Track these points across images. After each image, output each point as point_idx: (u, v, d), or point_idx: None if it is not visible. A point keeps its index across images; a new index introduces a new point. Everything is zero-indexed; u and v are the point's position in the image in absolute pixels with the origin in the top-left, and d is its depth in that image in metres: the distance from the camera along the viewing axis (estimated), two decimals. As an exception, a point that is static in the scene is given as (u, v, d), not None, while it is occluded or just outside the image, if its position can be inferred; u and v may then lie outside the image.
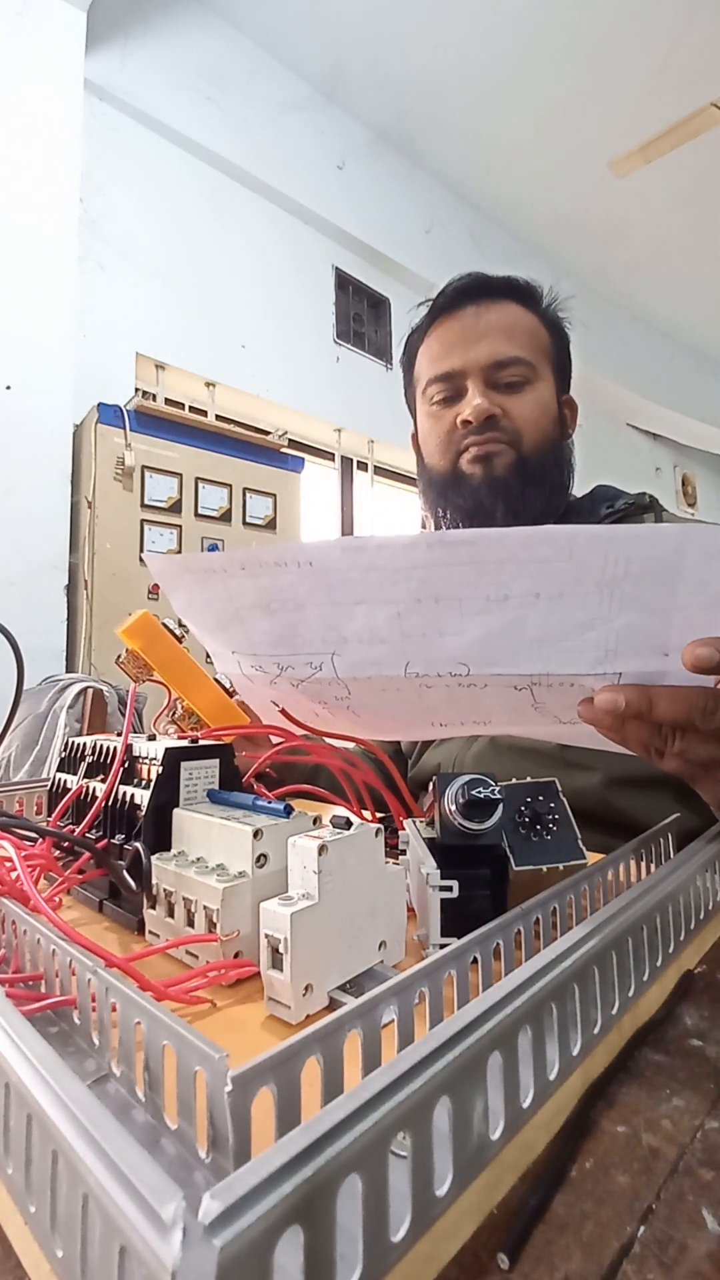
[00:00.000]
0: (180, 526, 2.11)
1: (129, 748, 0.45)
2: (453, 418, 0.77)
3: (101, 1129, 0.15)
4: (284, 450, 2.46)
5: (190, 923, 0.36)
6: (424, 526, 0.85)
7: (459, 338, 0.78)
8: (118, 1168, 0.13)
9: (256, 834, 0.35)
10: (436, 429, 0.80)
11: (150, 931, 0.39)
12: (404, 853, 0.41)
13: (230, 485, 2.25)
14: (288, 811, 0.38)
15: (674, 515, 0.79)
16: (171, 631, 0.56)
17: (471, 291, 0.80)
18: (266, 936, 0.30)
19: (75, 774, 0.50)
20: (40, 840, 0.43)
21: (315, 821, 0.38)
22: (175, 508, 2.11)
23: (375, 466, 3.39)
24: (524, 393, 0.77)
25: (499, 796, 0.35)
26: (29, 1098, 0.17)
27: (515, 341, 0.77)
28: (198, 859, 0.38)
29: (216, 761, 0.44)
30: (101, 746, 0.48)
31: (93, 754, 0.49)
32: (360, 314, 3.31)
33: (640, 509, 0.78)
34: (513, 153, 3.19)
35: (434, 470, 0.81)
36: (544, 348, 0.80)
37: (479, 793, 0.34)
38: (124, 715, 1.05)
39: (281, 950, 0.29)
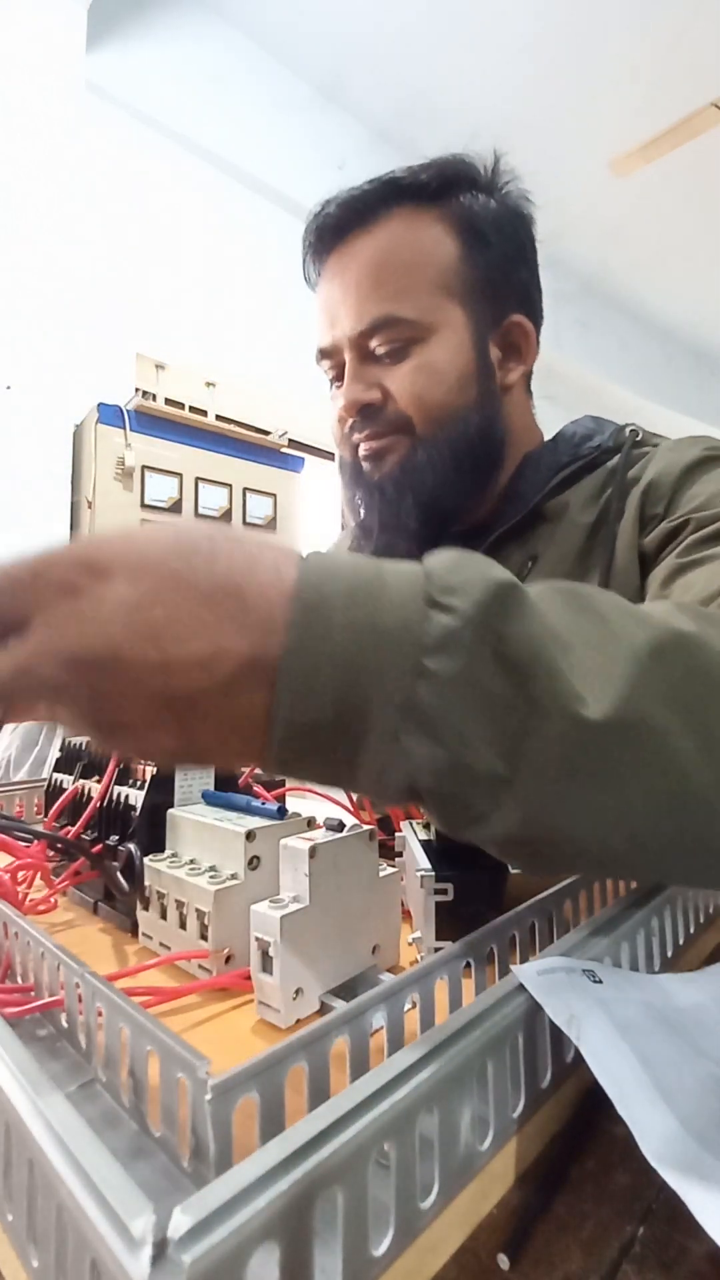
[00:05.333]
0: (180, 527, 2.11)
1: (123, 748, 0.45)
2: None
3: (76, 1140, 0.14)
4: (284, 450, 2.45)
5: (183, 925, 0.35)
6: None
7: (325, 300, 0.60)
8: (90, 1180, 0.13)
9: (249, 836, 0.35)
10: (333, 411, 0.63)
11: (143, 934, 0.38)
12: (401, 854, 0.41)
13: (230, 485, 2.24)
14: (281, 813, 0.37)
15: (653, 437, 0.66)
16: None
17: (342, 225, 0.58)
18: (256, 939, 0.29)
19: (72, 774, 0.50)
20: (35, 842, 0.42)
21: (309, 823, 0.38)
22: (175, 508, 2.10)
23: (376, 467, 3.38)
24: (408, 359, 0.56)
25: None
26: (6, 1105, 0.17)
27: (385, 287, 0.55)
28: (191, 861, 0.37)
29: (211, 762, 0.44)
30: (95, 747, 0.48)
31: (90, 754, 0.49)
32: (361, 314, 3.30)
33: (607, 453, 0.62)
34: (513, 152, 3.18)
35: (341, 456, 0.65)
36: (445, 271, 0.56)
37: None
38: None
39: (271, 953, 0.29)
